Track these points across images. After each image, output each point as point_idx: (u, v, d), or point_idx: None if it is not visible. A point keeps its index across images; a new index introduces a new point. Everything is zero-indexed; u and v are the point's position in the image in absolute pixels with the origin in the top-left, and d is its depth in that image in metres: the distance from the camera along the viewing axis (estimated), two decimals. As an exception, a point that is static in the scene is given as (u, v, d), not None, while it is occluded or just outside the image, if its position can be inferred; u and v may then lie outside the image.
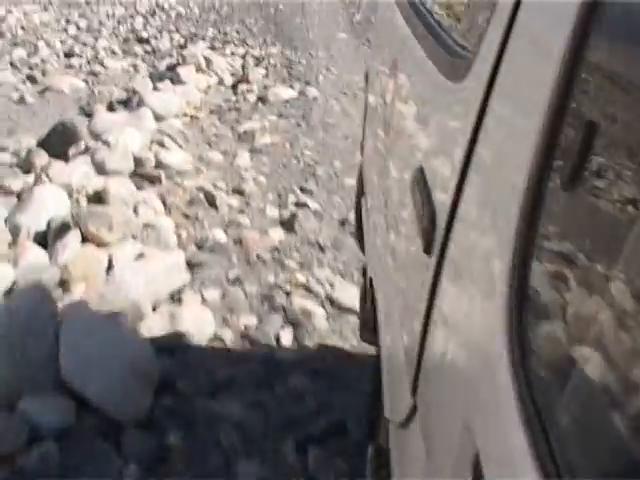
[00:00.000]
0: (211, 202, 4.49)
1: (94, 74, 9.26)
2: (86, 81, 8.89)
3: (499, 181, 0.87)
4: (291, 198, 4.64)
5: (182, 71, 8.05)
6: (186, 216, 4.30)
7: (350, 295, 3.36)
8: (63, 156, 5.22)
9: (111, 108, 7.50)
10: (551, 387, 0.66)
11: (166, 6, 12.52)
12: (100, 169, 4.68)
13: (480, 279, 0.87)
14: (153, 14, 11.93)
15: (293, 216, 4.31)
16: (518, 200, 0.74)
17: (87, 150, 5.08)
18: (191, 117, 7.07)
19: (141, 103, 6.56)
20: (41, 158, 5.20)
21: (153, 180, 4.83)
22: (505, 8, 0.93)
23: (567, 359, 0.64)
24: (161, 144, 5.28)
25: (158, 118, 6.50)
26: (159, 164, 5.00)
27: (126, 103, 7.71)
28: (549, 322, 0.71)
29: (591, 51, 0.68)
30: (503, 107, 0.92)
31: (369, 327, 1.95)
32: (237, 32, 10.55)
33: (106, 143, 5.00)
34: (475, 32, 1.19)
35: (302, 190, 4.82)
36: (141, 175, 4.85)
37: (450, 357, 0.97)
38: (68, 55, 10.19)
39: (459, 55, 1.22)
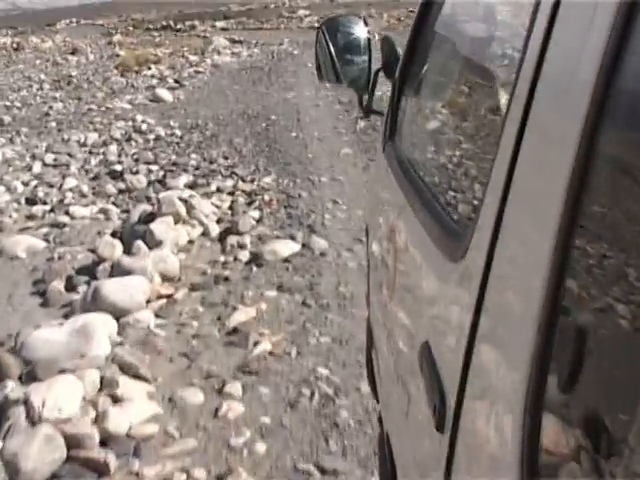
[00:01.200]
0: (182, 526, 2.84)
1: (58, 226, 7.76)
2: (47, 239, 7.39)
3: (502, 365, 0.91)
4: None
5: (157, 227, 6.51)
6: None
7: None
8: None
9: (70, 285, 6.02)
10: None
11: (144, 128, 11.08)
12: (14, 471, 3.06)
13: (492, 456, 0.90)
14: (129, 139, 10.48)
15: None
16: (522, 385, 0.77)
17: (6, 411, 3.47)
18: (167, 298, 5.49)
19: (98, 298, 4.99)
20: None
21: (98, 469, 3.20)
22: (497, 188, 0.95)
23: None
24: (112, 393, 3.66)
25: (121, 313, 4.94)
26: (106, 436, 3.37)
27: (90, 271, 6.23)
28: None
29: (584, 235, 0.73)
30: (501, 288, 0.94)
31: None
32: (224, 157, 9.06)
33: (29, 409, 3.39)
34: (469, 210, 1.29)
35: (322, 471, 3.16)
36: (79, 461, 3.23)
37: None
38: (30, 202, 8.73)
39: (456, 234, 1.24)
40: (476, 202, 1.10)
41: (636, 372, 0.60)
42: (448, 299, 1.23)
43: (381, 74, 2.53)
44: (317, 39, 2.79)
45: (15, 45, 34.16)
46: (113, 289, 5.04)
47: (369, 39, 2.74)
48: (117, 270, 5.76)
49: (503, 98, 1.06)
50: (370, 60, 2.63)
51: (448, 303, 1.23)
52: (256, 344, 4.46)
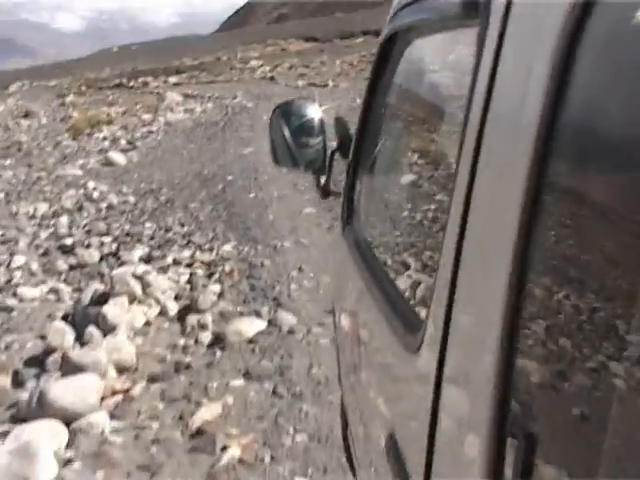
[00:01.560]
0: None
1: (6, 310, 7.24)
2: (-7, 326, 6.87)
3: (461, 462, 0.89)
4: None
5: (110, 310, 6.03)
6: None
7: None
8: None
9: (17, 380, 5.54)
10: None
11: (96, 195, 10.61)
12: None
13: None
14: (80, 209, 9.99)
15: None
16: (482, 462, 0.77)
17: None
18: (124, 394, 4.99)
19: (45, 402, 4.47)
20: None
21: None
22: (445, 278, 0.95)
23: None
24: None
25: (72, 418, 4.44)
26: None
27: (40, 362, 5.73)
28: None
29: (536, 275, 0.72)
30: (455, 383, 0.94)
31: None
32: (180, 224, 8.62)
33: None
34: (422, 300, 1.28)
35: None
36: None
37: None
38: (-24, 283, 8.20)
39: (411, 324, 1.22)
40: (428, 293, 1.10)
41: (594, 455, 0.59)
42: (408, 391, 1.23)
43: (337, 155, 2.49)
44: (270, 124, 2.67)
45: (-34, 111, 33.60)
46: (62, 392, 4.53)
47: (322, 120, 2.64)
48: (68, 364, 5.25)
49: (452, 178, 1.06)
50: (325, 141, 2.59)
51: (408, 395, 1.22)
52: (224, 449, 3.99)
